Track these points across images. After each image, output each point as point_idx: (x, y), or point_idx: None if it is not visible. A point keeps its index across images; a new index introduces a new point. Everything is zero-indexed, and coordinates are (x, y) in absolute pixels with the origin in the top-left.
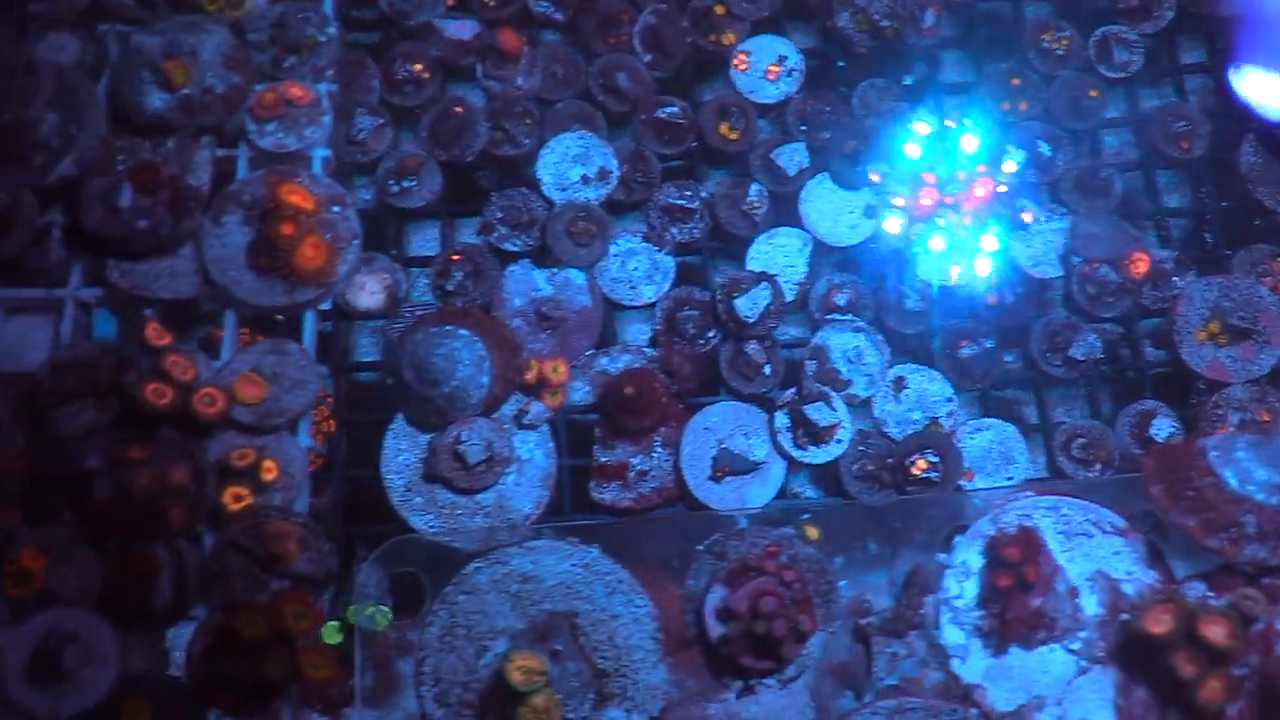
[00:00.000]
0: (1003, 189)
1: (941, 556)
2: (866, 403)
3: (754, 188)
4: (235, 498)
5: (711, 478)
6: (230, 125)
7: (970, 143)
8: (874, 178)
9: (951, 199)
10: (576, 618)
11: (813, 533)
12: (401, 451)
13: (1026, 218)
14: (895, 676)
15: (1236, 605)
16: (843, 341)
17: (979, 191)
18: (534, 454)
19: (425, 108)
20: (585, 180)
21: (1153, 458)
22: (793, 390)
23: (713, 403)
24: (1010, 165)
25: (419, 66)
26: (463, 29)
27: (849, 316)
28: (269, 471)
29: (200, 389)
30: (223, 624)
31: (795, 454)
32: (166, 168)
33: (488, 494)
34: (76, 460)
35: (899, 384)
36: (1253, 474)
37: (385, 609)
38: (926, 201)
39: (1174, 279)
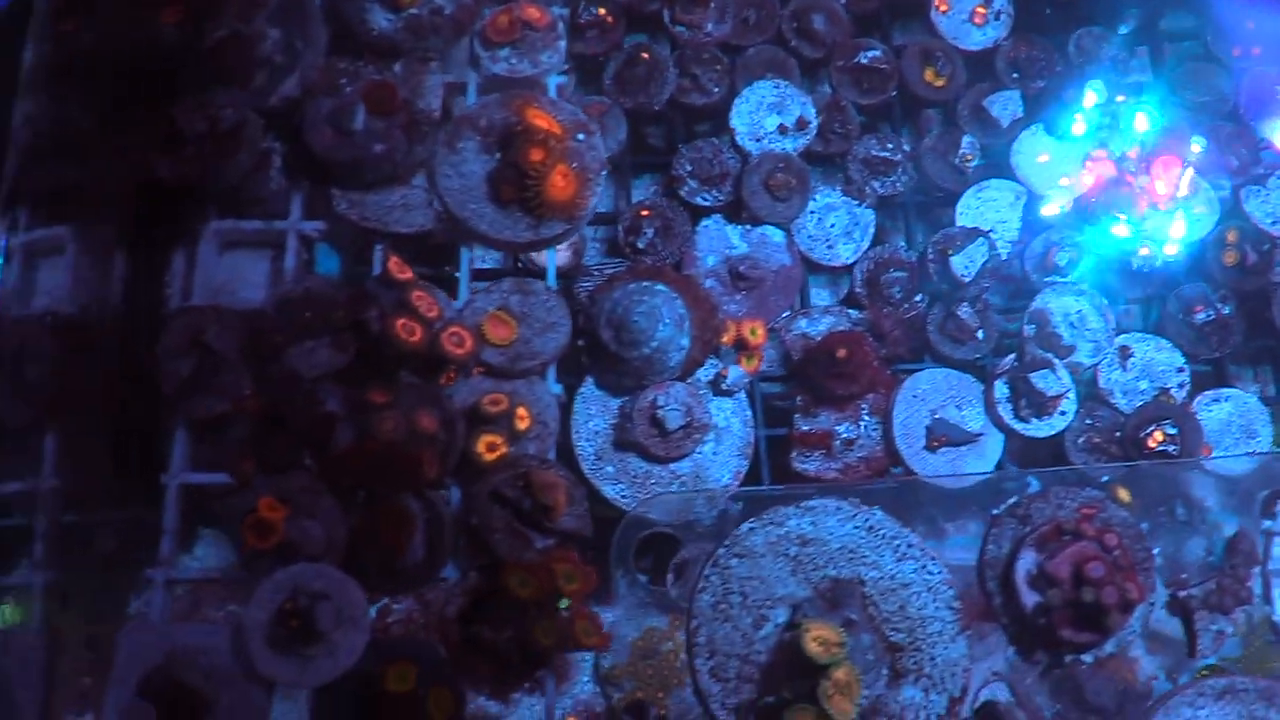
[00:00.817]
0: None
1: (1267, 523)
2: (1091, 371)
3: (965, 139)
4: (489, 447)
5: (926, 448)
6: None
7: (1143, 121)
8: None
9: (1133, 176)
10: (864, 585)
11: (1124, 494)
12: (591, 417)
13: None
14: (1216, 655)
15: None
16: (1064, 305)
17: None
18: (731, 421)
19: (611, 54)
20: (782, 130)
21: None
22: (1012, 357)
23: (923, 369)
24: (1196, 147)
25: (603, 11)
26: None
27: (1071, 279)
28: (522, 419)
29: (447, 327)
30: (487, 584)
31: (1016, 426)
32: (401, 88)
33: (684, 463)
34: (315, 404)
35: (1125, 352)
36: None
37: None
38: (1090, 179)
39: None
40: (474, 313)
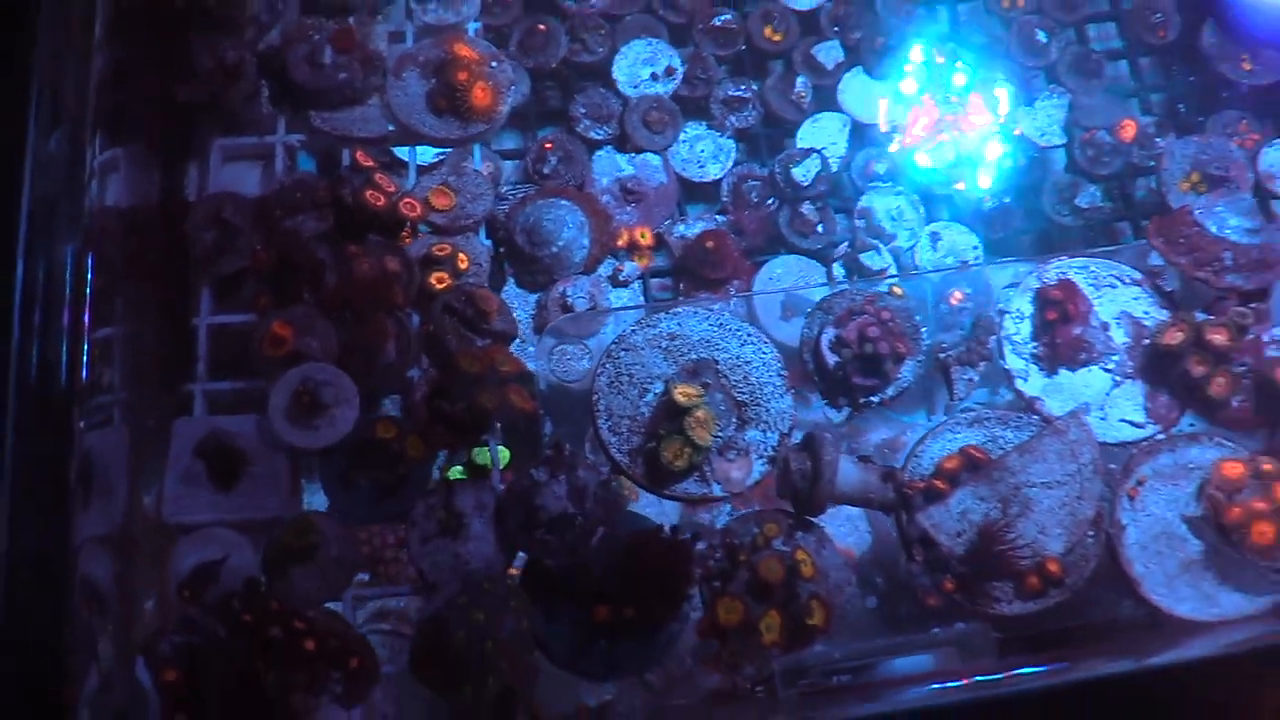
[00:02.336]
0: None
1: (999, 304)
2: (910, 252)
3: (799, 80)
4: (438, 280)
5: (781, 318)
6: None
7: (960, 79)
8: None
9: (951, 118)
10: (718, 363)
11: (898, 291)
12: (514, 309)
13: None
14: (971, 399)
15: (1232, 319)
16: (885, 203)
17: (975, 117)
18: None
19: (514, 25)
20: (654, 78)
21: (1154, 222)
22: (846, 244)
23: (777, 257)
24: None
25: None
26: None
27: (889, 182)
28: (463, 262)
29: (403, 197)
30: (443, 372)
31: None
32: (358, 33)
33: (591, 340)
34: (309, 255)
35: (935, 238)
36: (1227, 221)
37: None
38: (923, 121)
39: (1157, 140)
40: (422, 189)
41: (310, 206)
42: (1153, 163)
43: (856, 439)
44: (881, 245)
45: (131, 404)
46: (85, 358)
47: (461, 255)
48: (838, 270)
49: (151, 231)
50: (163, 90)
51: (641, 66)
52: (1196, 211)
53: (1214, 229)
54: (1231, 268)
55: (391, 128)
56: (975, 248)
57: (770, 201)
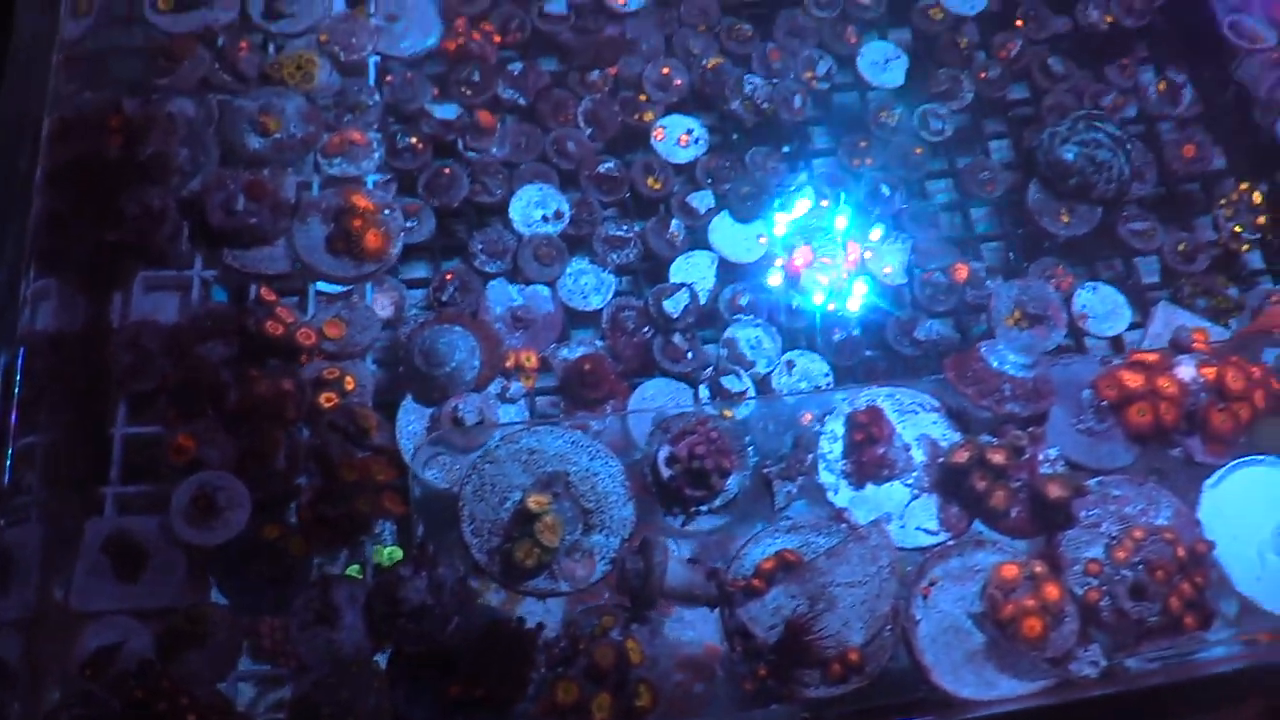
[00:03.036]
0: (869, 253)
1: (816, 428)
2: (766, 377)
3: (674, 223)
4: (327, 399)
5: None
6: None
7: (842, 221)
8: (762, 240)
9: (828, 259)
10: (569, 475)
11: (728, 414)
12: (411, 422)
13: (874, 235)
14: (790, 509)
15: (1010, 441)
16: (746, 333)
17: (851, 255)
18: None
19: (422, 169)
20: (545, 219)
21: (950, 358)
22: (711, 369)
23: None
24: (876, 233)
25: (415, 140)
26: (447, 112)
27: (750, 315)
28: (349, 384)
29: (300, 328)
30: (326, 480)
31: None
32: (268, 184)
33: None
34: (214, 377)
35: (790, 365)
36: (1006, 358)
37: (397, 548)
38: (799, 261)
39: (987, 282)
40: (317, 320)
41: (219, 334)
42: (983, 301)
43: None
44: (742, 371)
45: (48, 504)
46: (9, 461)
47: (349, 378)
48: (703, 392)
49: (76, 352)
50: (94, 230)
51: (534, 208)
52: (983, 349)
53: (995, 364)
54: (1010, 397)
55: (295, 266)
56: (826, 374)
57: (645, 330)
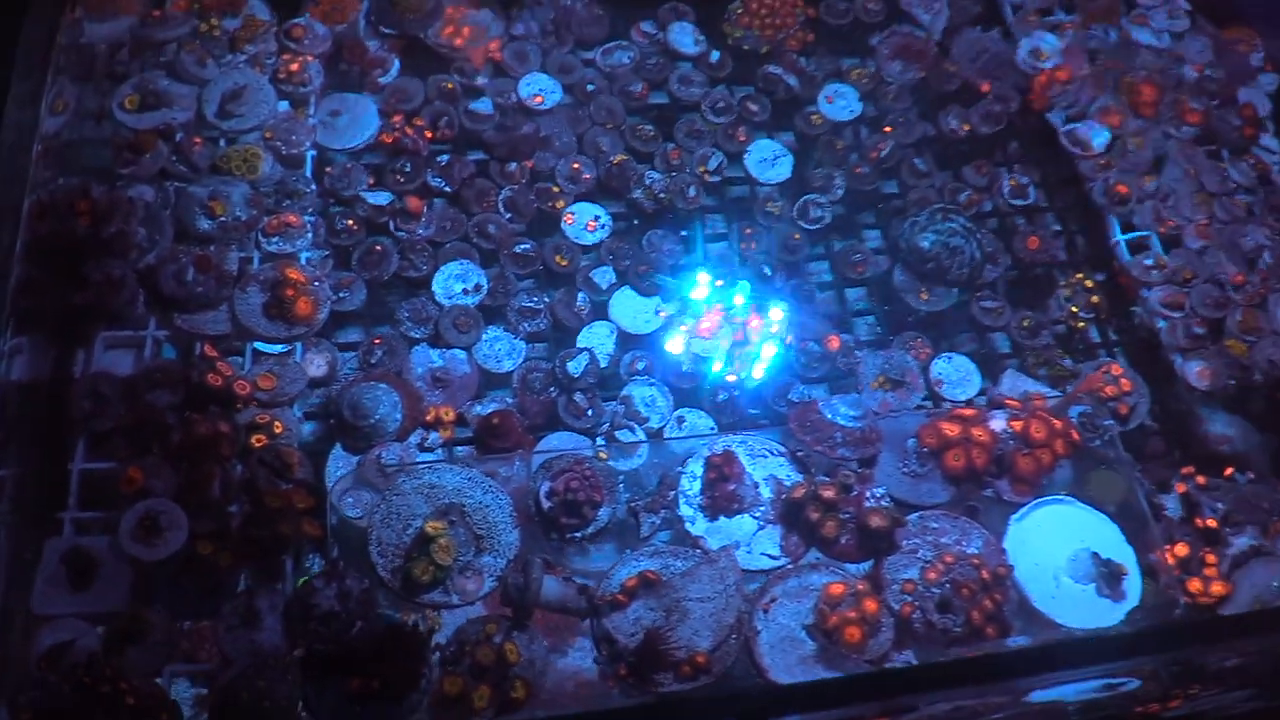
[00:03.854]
0: (754, 325)
1: (679, 469)
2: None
3: (580, 295)
4: (258, 440)
5: None
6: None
7: (740, 298)
8: (661, 314)
9: (717, 330)
10: (464, 505)
11: (603, 455)
12: (339, 469)
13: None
14: (655, 537)
15: (840, 480)
16: (642, 392)
17: (738, 326)
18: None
19: (356, 247)
20: (465, 292)
21: (794, 411)
22: (608, 424)
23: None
24: (777, 313)
25: (351, 221)
26: (380, 197)
27: (646, 377)
28: (278, 428)
29: (237, 379)
30: (254, 504)
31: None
32: (214, 259)
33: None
34: (161, 419)
35: (680, 420)
36: (839, 410)
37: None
38: (707, 326)
39: (856, 351)
40: (252, 374)
41: (167, 384)
42: (852, 368)
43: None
44: (637, 425)
45: (15, 526)
46: None
47: (277, 423)
48: (600, 444)
49: (43, 398)
50: (64, 294)
51: (456, 282)
52: (820, 404)
53: (830, 416)
54: (841, 444)
55: (235, 328)
56: (711, 428)
57: (551, 389)
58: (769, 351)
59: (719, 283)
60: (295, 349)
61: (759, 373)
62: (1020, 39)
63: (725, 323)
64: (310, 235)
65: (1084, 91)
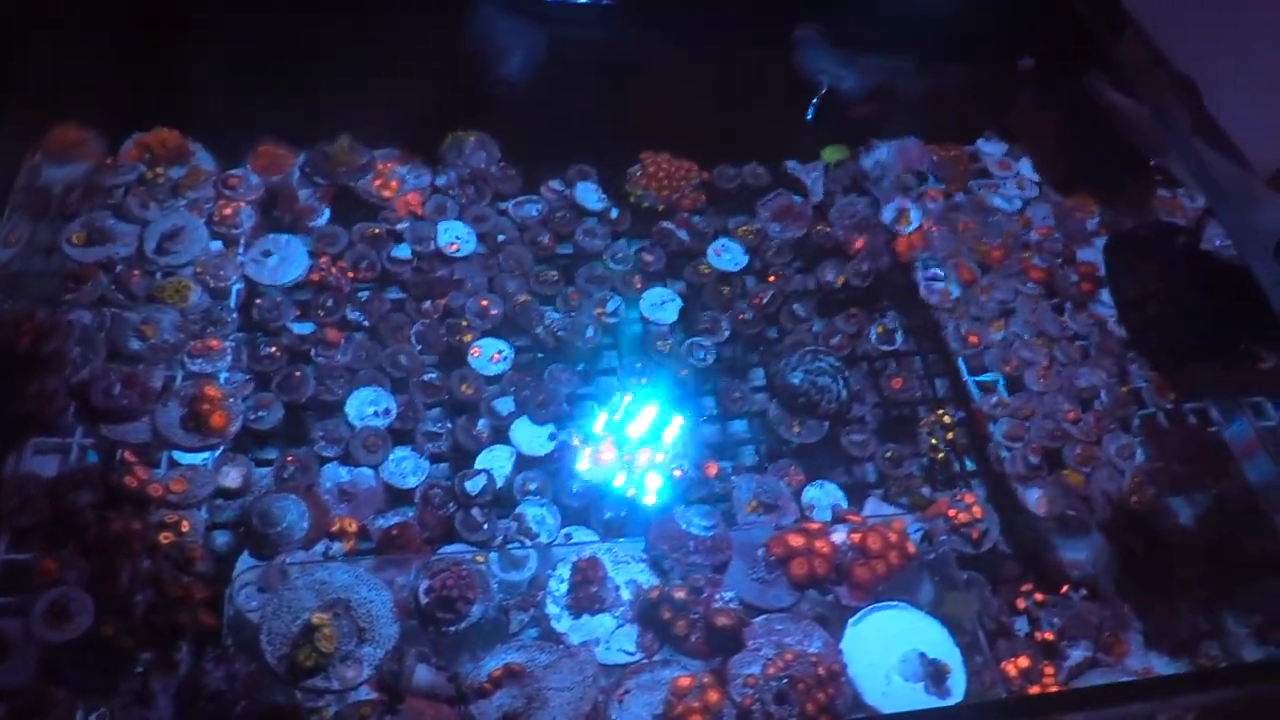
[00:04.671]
0: (643, 453)
1: (549, 571)
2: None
3: (481, 421)
4: (165, 537)
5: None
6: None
7: (658, 430)
8: (575, 442)
9: (628, 456)
10: (350, 600)
11: (480, 559)
12: (244, 571)
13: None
14: (524, 633)
15: (690, 582)
16: (534, 511)
17: (626, 453)
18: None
19: (278, 371)
20: (375, 414)
21: (654, 522)
22: (501, 538)
23: (451, 545)
24: (670, 433)
25: (275, 348)
26: (304, 328)
27: (538, 497)
28: (184, 526)
29: (151, 483)
30: (157, 594)
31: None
32: (141, 376)
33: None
34: (79, 516)
35: (568, 536)
36: (693, 521)
37: None
38: (608, 454)
39: (732, 476)
40: (166, 478)
41: (88, 485)
42: (728, 493)
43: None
44: (527, 541)
45: None
46: None
47: (184, 522)
48: (493, 556)
49: None
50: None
51: (368, 406)
52: (676, 515)
53: (684, 527)
54: (694, 551)
55: (155, 438)
56: (593, 542)
57: (449, 506)
58: (654, 478)
59: (616, 415)
60: (207, 457)
61: (646, 496)
62: (886, 204)
63: (613, 449)
64: (229, 358)
65: (941, 249)
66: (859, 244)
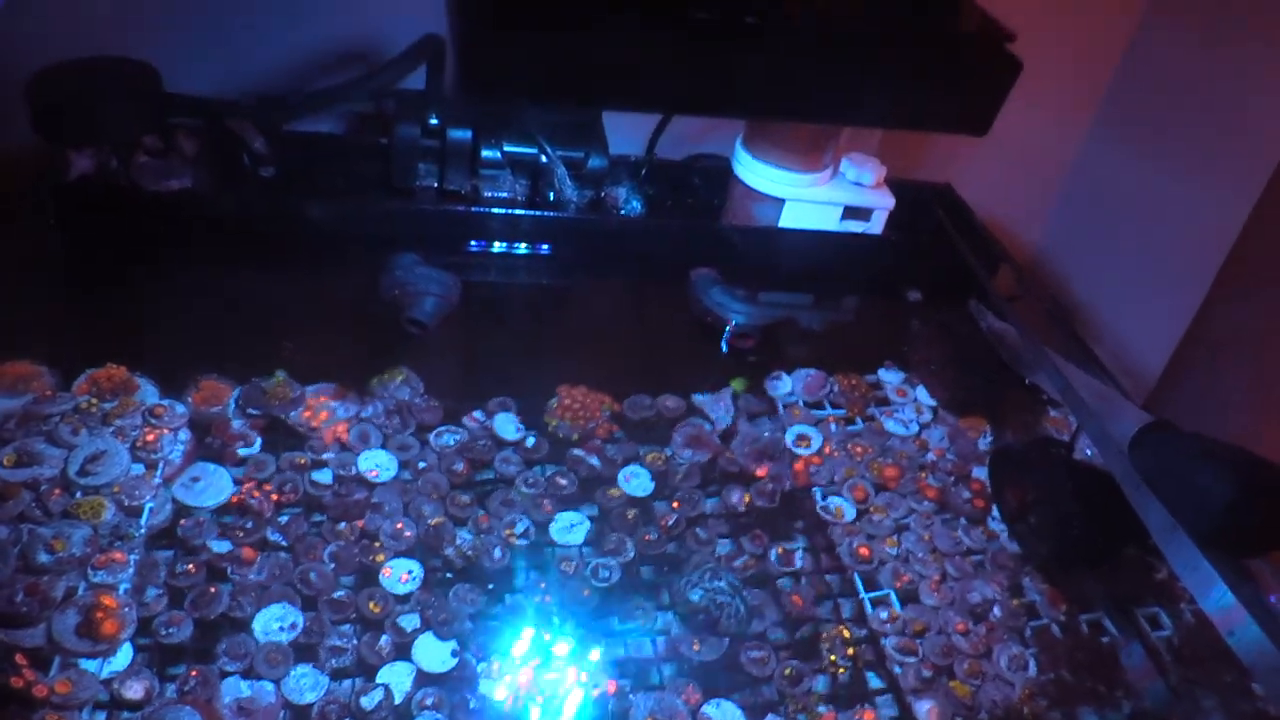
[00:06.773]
0: (548, 674)
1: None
2: None
3: (384, 638)
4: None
5: None
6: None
7: (562, 648)
8: (495, 667)
9: (508, 675)
10: None
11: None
12: None
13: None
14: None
15: None
16: None
17: (531, 671)
18: None
19: (193, 588)
20: (281, 629)
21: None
22: None
23: None
24: (595, 654)
25: (191, 565)
26: (222, 546)
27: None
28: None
29: (36, 684)
30: None
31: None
32: (44, 586)
33: None
34: None
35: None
36: None
37: None
38: (524, 679)
39: (630, 695)
40: (52, 679)
41: None
42: (624, 711)
43: None
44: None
45: None
46: None
47: None
48: None
49: None
50: None
51: (274, 622)
52: None
53: None
54: None
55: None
56: None
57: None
58: (551, 695)
59: (521, 640)
60: (99, 663)
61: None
62: (788, 428)
63: (516, 665)
64: (132, 570)
65: (838, 471)
66: (764, 470)
